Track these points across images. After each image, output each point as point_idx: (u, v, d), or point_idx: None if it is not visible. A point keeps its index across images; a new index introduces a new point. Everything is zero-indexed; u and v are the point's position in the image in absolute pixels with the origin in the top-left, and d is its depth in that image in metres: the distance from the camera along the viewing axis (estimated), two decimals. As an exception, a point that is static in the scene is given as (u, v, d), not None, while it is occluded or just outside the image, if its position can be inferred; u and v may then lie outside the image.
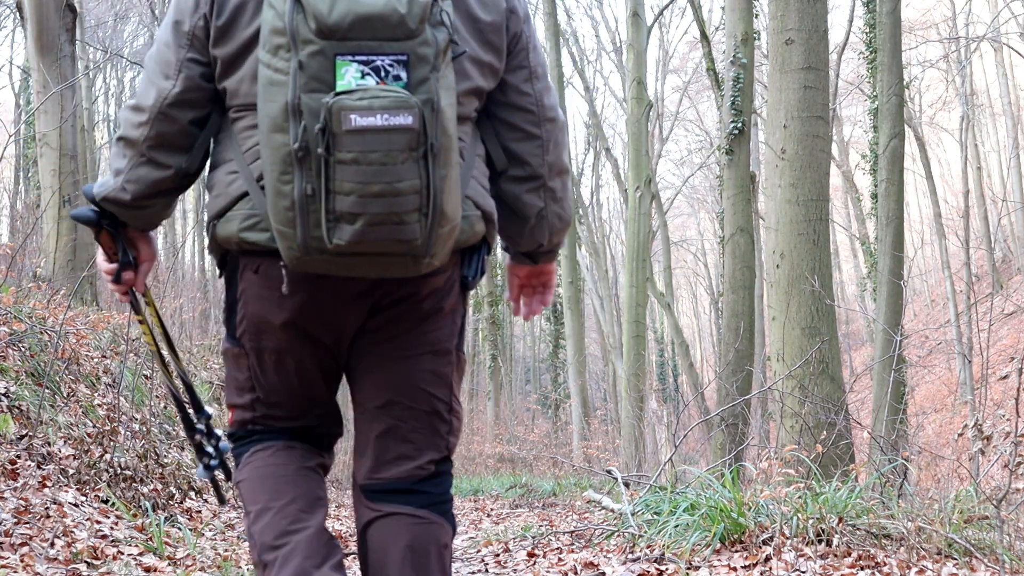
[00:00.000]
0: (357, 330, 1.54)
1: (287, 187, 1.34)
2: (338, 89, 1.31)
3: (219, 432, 1.82)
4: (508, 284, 1.80)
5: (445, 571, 1.52)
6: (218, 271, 1.59)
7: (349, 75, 1.32)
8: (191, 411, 1.84)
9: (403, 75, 1.33)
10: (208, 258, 31.39)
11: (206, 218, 1.53)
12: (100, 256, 1.64)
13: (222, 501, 2.03)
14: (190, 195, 31.82)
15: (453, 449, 1.63)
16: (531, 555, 4.42)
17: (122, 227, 1.58)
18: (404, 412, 1.56)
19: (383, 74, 1.33)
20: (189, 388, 1.87)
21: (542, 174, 1.59)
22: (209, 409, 1.82)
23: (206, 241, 1.59)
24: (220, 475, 1.86)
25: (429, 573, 1.50)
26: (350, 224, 1.32)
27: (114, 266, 1.60)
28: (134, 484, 4.46)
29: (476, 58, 1.50)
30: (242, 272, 1.52)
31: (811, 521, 3.44)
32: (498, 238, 1.67)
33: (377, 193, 1.30)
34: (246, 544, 4.39)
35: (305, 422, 1.64)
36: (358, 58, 1.32)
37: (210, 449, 1.80)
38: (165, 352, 1.86)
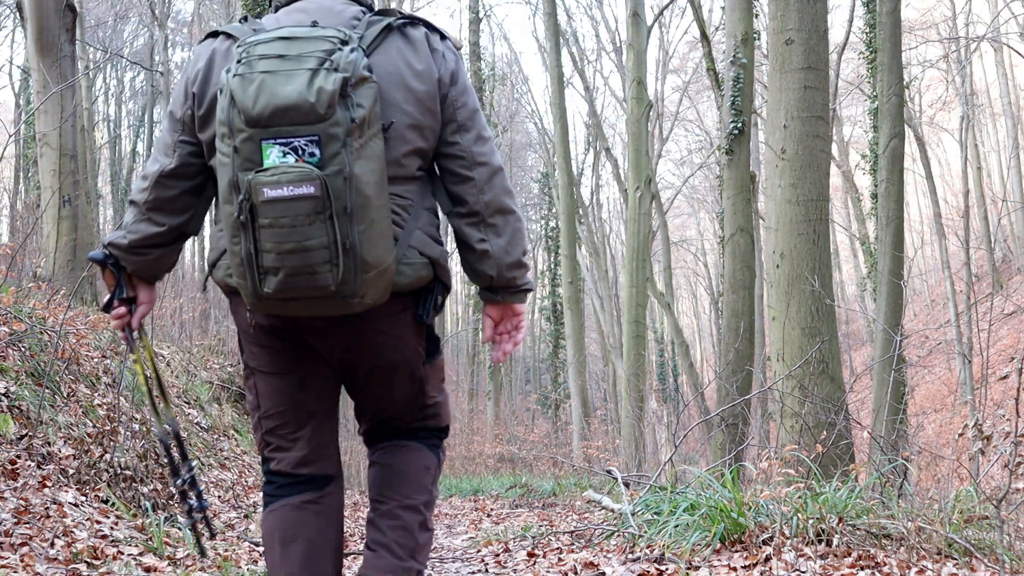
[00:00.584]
0: (331, 353, 1.87)
1: (237, 247, 1.66)
2: (261, 170, 1.61)
3: (201, 487, 2.05)
4: (483, 326, 2.02)
5: (425, 479, 1.97)
6: (230, 302, 1.96)
7: (273, 155, 1.61)
8: (176, 456, 2.07)
9: (317, 151, 1.61)
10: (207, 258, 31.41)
11: (207, 268, 1.90)
12: (107, 293, 1.95)
13: (203, 554, 2.34)
14: (190, 195, 31.80)
15: (437, 422, 2.05)
16: (531, 555, 4.42)
17: (123, 270, 1.92)
18: (388, 416, 2.01)
19: (300, 152, 1.61)
20: (176, 434, 2.09)
21: (479, 211, 1.85)
22: (193, 462, 2.05)
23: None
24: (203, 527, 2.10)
25: (407, 481, 1.94)
26: (274, 276, 1.63)
27: (117, 303, 1.92)
28: (134, 484, 4.46)
29: (415, 124, 1.78)
30: (236, 309, 1.93)
31: (811, 521, 3.44)
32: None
33: (290, 250, 1.61)
34: (246, 544, 4.40)
35: (302, 462, 1.93)
36: (279, 141, 1.61)
37: (192, 500, 2.05)
38: (156, 395, 2.13)
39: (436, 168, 1.90)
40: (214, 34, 1.87)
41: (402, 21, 1.83)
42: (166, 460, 2.10)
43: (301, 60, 1.63)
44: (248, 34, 1.75)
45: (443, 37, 1.88)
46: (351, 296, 1.67)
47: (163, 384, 2.14)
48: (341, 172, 1.61)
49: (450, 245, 10.41)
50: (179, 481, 2.04)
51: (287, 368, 1.90)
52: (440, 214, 1.94)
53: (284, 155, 1.61)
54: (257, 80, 1.61)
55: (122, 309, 1.93)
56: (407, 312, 1.84)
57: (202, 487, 2.00)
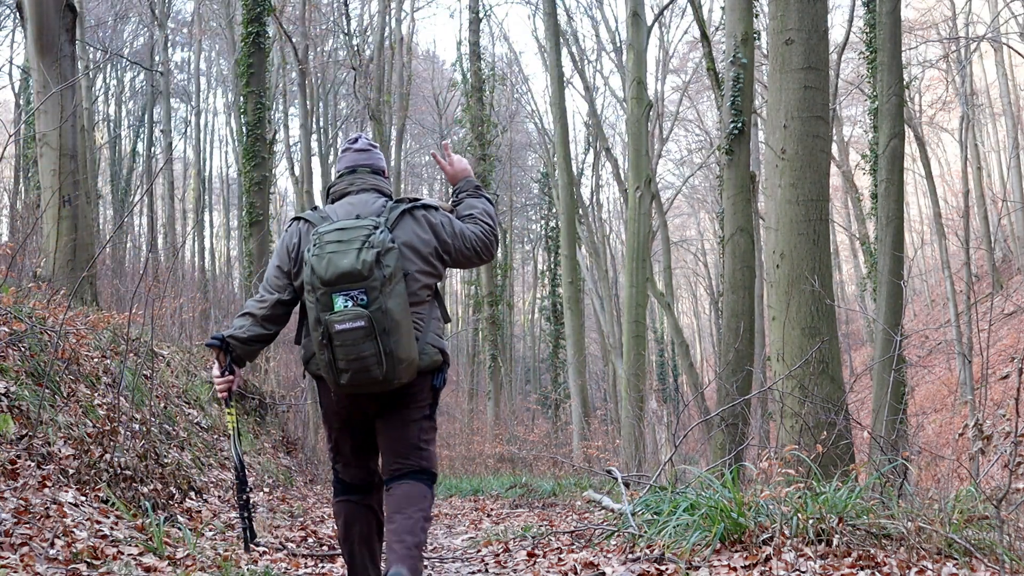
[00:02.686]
0: (374, 412, 2.94)
1: (322, 356, 2.76)
2: (333, 312, 2.70)
3: (251, 499, 3.17)
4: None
5: (419, 513, 2.82)
6: (315, 383, 3.00)
7: (339, 302, 2.70)
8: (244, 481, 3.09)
9: (364, 297, 2.69)
10: (208, 258, 31.31)
11: (303, 362, 2.97)
12: (215, 368, 2.96)
13: (247, 548, 3.54)
14: (190, 196, 31.83)
15: (427, 467, 2.95)
16: (531, 555, 4.42)
17: (231, 353, 2.93)
18: (396, 452, 2.94)
19: (355, 299, 2.69)
20: (242, 465, 3.10)
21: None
22: (250, 486, 3.15)
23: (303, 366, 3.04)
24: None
25: (412, 510, 2.82)
26: (346, 373, 2.73)
27: (219, 372, 2.93)
28: (134, 484, 4.45)
29: (423, 270, 2.89)
30: (319, 385, 2.95)
31: (811, 521, 3.44)
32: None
33: (353, 359, 2.70)
34: (246, 544, 4.40)
35: (357, 475, 3.05)
36: (342, 293, 2.70)
37: (247, 515, 3.08)
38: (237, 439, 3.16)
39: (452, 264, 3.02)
40: (298, 219, 2.98)
41: (410, 206, 2.92)
42: (236, 481, 3.10)
43: (351, 243, 2.72)
44: (319, 222, 2.87)
45: (436, 209, 2.98)
46: (393, 380, 2.76)
47: (240, 428, 3.22)
48: (380, 308, 2.69)
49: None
50: (242, 497, 3.08)
51: (350, 427, 3.00)
52: (442, 319, 3.03)
53: (346, 302, 2.69)
54: (326, 258, 2.71)
55: (230, 378, 2.94)
56: (427, 381, 2.92)
57: (252, 500, 3.13)
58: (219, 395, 2.96)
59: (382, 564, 3.04)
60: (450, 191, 3.10)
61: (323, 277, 2.67)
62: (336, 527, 3.06)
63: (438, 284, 3.01)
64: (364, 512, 2.99)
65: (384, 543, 2.87)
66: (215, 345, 2.89)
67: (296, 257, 2.88)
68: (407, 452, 2.90)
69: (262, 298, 2.92)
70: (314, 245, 2.73)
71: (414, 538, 2.74)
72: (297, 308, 3.00)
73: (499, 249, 23.79)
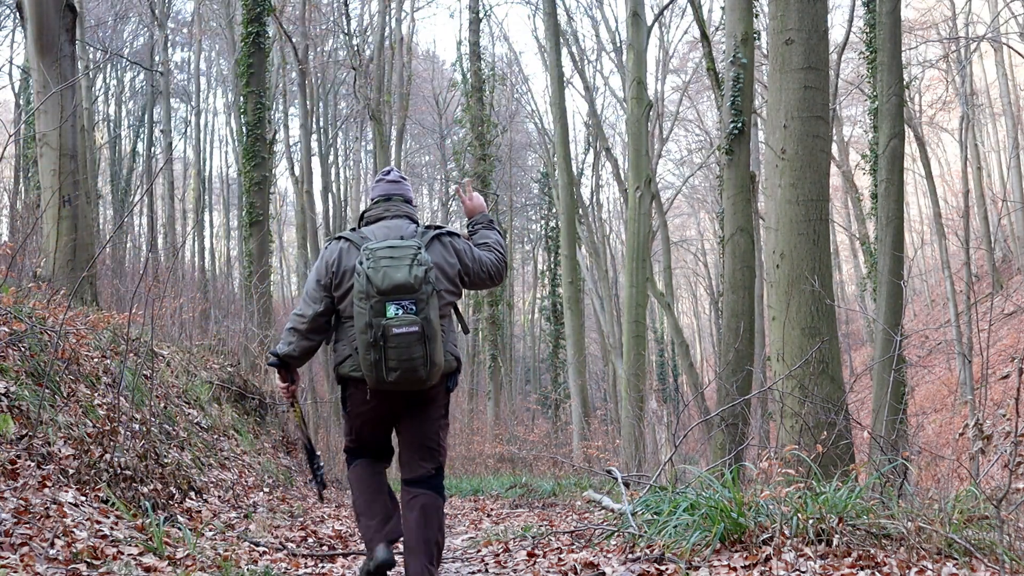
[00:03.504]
0: (401, 410, 3.37)
1: (369, 356, 3.11)
2: (387, 317, 3.08)
3: (321, 463, 3.81)
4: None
5: (440, 520, 3.32)
6: (340, 386, 3.41)
7: (392, 309, 3.08)
8: (314, 455, 3.79)
9: (413, 307, 3.10)
10: (207, 258, 31.29)
11: (333, 365, 3.39)
12: (278, 379, 3.53)
13: (321, 499, 4.80)
14: (190, 196, 31.84)
15: (442, 464, 3.44)
16: (531, 555, 4.42)
17: (288, 366, 3.45)
18: (419, 447, 3.40)
19: (406, 308, 3.09)
20: (310, 442, 3.84)
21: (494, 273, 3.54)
22: (321, 460, 3.87)
23: (333, 373, 3.45)
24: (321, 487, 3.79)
25: (430, 521, 3.28)
26: (395, 372, 3.11)
27: (286, 384, 3.50)
28: (134, 484, 4.45)
29: (448, 290, 3.32)
30: (347, 387, 3.37)
31: (811, 521, 3.44)
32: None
33: (405, 359, 3.09)
34: (246, 544, 4.40)
35: (374, 445, 3.51)
36: (394, 302, 3.09)
37: (320, 476, 3.76)
38: (306, 429, 3.96)
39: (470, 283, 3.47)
40: (338, 238, 3.37)
41: (438, 233, 3.37)
42: (308, 458, 3.79)
43: (402, 260, 3.13)
44: (361, 241, 3.27)
45: (458, 236, 3.44)
46: (429, 380, 3.18)
47: (305, 420, 3.90)
48: (427, 318, 3.11)
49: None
50: (314, 465, 3.76)
51: (373, 417, 3.41)
52: (457, 329, 3.56)
53: (397, 310, 3.09)
54: (381, 271, 3.10)
55: (293, 387, 3.52)
56: (443, 384, 3.36)
57: (321, 466, 3.83)
58: (286, 399, 3.64)
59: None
60: (466, 221, 3.71)
61: (379, 287, 3.07)
62: (352, 491, 3.47)
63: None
64: (374, 468, 3.49)
65: (405, 550, 3.30)
66: (275, 364, 3.45)
67: (337, 271, 3.27)
68: (426, 451, 3.39)
69: (302, 313, 3.34)
70: (367, 259, 3.12)
71: (431, 555, 3.26)
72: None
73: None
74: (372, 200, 3.51)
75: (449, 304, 3.34)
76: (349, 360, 3.26)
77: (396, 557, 3.47)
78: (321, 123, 29.19)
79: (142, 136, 29.54)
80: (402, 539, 3.32)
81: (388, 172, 3.56)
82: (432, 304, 3.11)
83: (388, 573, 3.26)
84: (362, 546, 4.62)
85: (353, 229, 3.40)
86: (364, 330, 3.09)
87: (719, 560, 3.42)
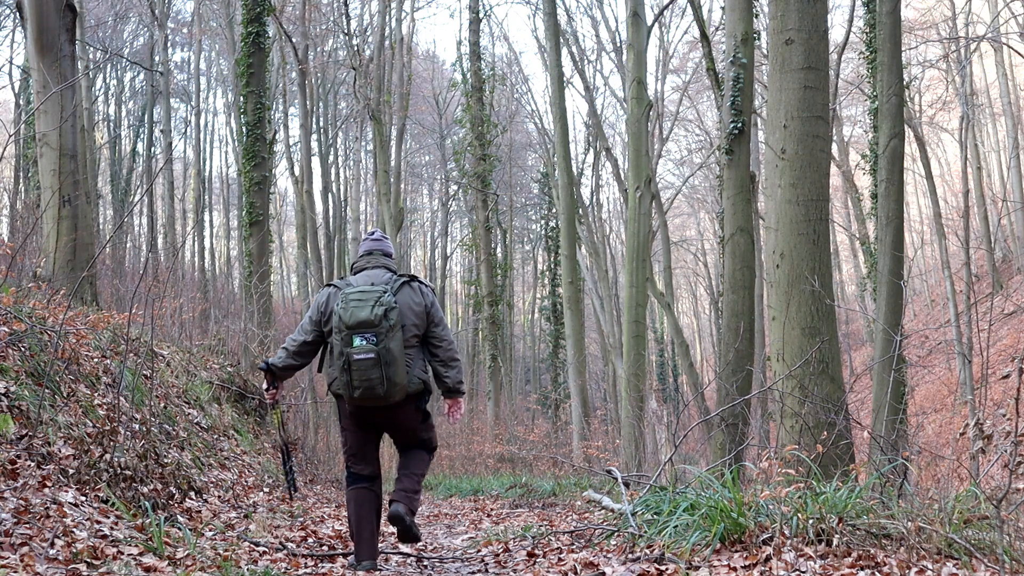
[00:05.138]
0: (378, 422, 4.19)
1: (342, 377, 3.96)
2: (352, 346, 3.90)
3: (293, 465, 4.92)
4: (445, 406, 4.38)
5: (423, 461, 4.31)
6: (336, 400, 4.24)
7: (357, 340, 3.89)
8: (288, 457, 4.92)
9: (374, 339, 3.89)
10: (207, 258, 31.30)
11: (327, 385, 4.14)
12: (264, 383, 4.34)
13: (291, 498, 6.50)
14: (190, 196, 31.82)
15: (431, 444, 4.38)
16: (531, 555, 4.42)
17: (273, 375, 4.27)
18: (407, 443, 4.32)
19: (367, 340, 3.89)
20: (286, 446, 4.93)
21: (444, 359, 4.19)
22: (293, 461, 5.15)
23: (327, 388, 4.18)
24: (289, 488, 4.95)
25: (417, 461, 4.29)
26: (358, 389, 3.92)
27: (267, 389, 4.30)
28: (134, 484, 4.45)
29: (414, 323, 4.08)
30: (337, 401, 4.22)
31: (811, 521, 3.44)
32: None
33: (364, 380, 3.90)
34: (246, 544, 4.40)
35: (364, 469, 4.22)
36: (359, 334, 3.90)
37: (292, 478, 5.05)
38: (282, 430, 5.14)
39: (425, 340, 4.21)
40: (329, 285, 4.23)
41: (409, 279, 4.18)
42: (282, 459, 4.66)
43: (367, 301, 3.93)
44: (344, 287, 4.06)
45: (425, 284, 4.24)
46: (389, 397, 3.95)
47: (285, 425, 4.88)
48: (384, 347, 3.89)
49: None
50: (286, 468, 5.00)
51: (360, 430, 4.21)
52: (425, 360, 4.22)
53: (362, 340, 3.88)
54: (350, 310, 3.92)
55: (273, 391, 4.32)
56: (411, 403, 4.13)
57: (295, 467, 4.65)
58: (268, 401, 4.41)
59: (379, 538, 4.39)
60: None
61: (347, 323, 3.90)
62: (348, 508, 4.21)
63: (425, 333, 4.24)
64: (370, 495, 4.18)
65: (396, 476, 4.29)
66: (262, 368, 4.28)
67: (324, 311, 4.12)
68: (412, 440, 4.30)
69: (295, 339, 4.21)
70: (342, 301, 3.97)
71: (412, 486, 4.17)
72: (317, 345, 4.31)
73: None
74: (359, 254, 4.36)
75: (416, 336, 4.10)
76: (336, 381, 4.06)
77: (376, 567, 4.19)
78: (321, 123, 29.19)
79: (142, 136, 29.55)
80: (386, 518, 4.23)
81: (372, 233, 4.42)
82: (393, 336, 3.91)
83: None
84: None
85: (341, 277, 4.49)
86: (338, 356, 3.96)
87: (719, 560, 3.42)
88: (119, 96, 31.15)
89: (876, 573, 3.07)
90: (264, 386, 4.28)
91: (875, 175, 13.12)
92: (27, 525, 3.28)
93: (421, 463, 4.25)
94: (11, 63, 21.60)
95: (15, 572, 2.83)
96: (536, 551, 4.49)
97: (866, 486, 4.12)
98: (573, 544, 4.59)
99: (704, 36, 13.45)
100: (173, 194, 27.37)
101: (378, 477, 4.22)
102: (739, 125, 10.27)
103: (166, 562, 3.48)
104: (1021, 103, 28.02)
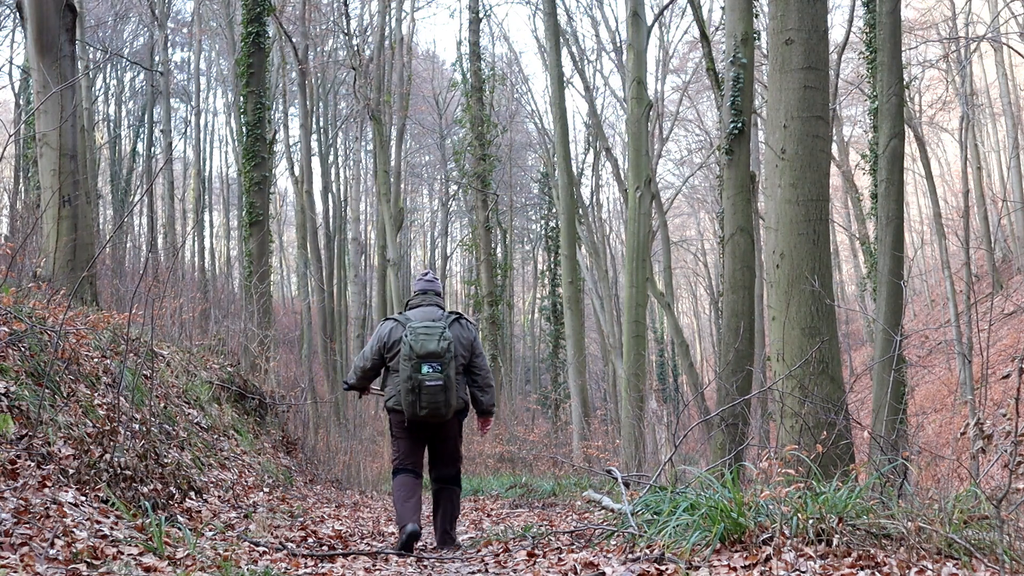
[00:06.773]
0: (428, 434, 5.19)
1: (409, 398, 4.92)
2: (422, 373, 4.89)
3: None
4: (477, 423, 5.41)
5: (456, 502, 5.29)
6: (387, 414, 5.26)
7: (425, 368, 4.89)
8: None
9: (440, 368, 4.90)
10: (207, 258, 31.32)
11: (384, 402, 5.21)
12: (354, 394, 6.91)
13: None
14: (190, 196, 31.82)
15: (460, 466, 5.39)
16: (531, 555, 4.42)
17: (357, 389, 5.44)
18: (445, 457, 5.31)
19: (434, 368, 4.89)
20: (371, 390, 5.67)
21: (482, 385, 5.21)
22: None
23: (384, 405, 5.28)
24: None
25: (452, 502, 5.27)
26: (425, 409, 4.92)
27: (359, 394, 5.52)
28: (134, 484, 4.45)
29: (462, 354, 5.09)
30: (391, 415, 5.17)
31: (811, 521, 3.44)
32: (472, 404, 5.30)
33: (432, 403, 4.90)
34: (246, 544, 4.40)
35: (411, 465, 5.14)
36: (427, 363, 4.89)
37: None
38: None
39: (467, 368, 5.14)
40: (390, 318, 5.15)
41: (456, 317, 5.11)
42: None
43: (433, 335, 4.90)
44: (407, 321, 5.00)
45: (470, 322, 5.17)
46: (446, 416, 4.96)
47: (371, 392, 5.56)
48: (447, 375, 4.87)
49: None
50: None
51: (412, 439, 5.10)
52: (465, 383, 5.12)
53: (430, 368, 4.85)
54: (420, 340, 4.87)
55: (363, 392, 5.43)
56: (456, 418, 5.11)
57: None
58: (362, 395, 5.52)
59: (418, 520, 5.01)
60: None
61: (418, 352, 4.81)
62: (394, 489, 5.03)
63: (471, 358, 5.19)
64: (415, 479, 5.04)
65: (433, 524, 5.26)
66: (347, 388, 5.36)
67: (387, 342, 5.01)
68: (449, 458, 5.22)
69: (362, 365, 5.19)
70: (411, 334, 4.87)
71: (451, 524, 5.17)
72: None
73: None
74: (414, 292, 5.27)
75: (462, 364, 5.04)
76: (394, 398, 4.96)
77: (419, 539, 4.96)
78: (321, 123, 29.19)
79: (142, 136, 29.55)
80: (428, 523, 5.27)
81: (426, 274, 5.30)
82: (452, 365, 4.85)
83: (416, 544, 4.83)
84: (362, 545, 5.15)
85: (400, 312, 5.23)
86: (406, 380, 4.83)
87: (719, 560, 3.43)
88: (119, 96, 31.16)
89: (876, 573, 3.07)
90: (357, 396, 5.66)
91: (875, 175, 13.12)
92: (27, 525, 3.28)
93: (453, 499, 5.23)
94: (11, 63, 21.61)
95: (15, 572, 2.83)
96: (536, 551, 4.50)
97: (866, 486, 4.12)
98: (573, 544, 4.60)
99: (704, 36, 13.45)
100: (173, 194, 27.37)
101: (421, 469, 5.16)
102: (739, 125, 10.26)
103: (166, 562, 3.48)
104: (1021, 103, 28.02)
